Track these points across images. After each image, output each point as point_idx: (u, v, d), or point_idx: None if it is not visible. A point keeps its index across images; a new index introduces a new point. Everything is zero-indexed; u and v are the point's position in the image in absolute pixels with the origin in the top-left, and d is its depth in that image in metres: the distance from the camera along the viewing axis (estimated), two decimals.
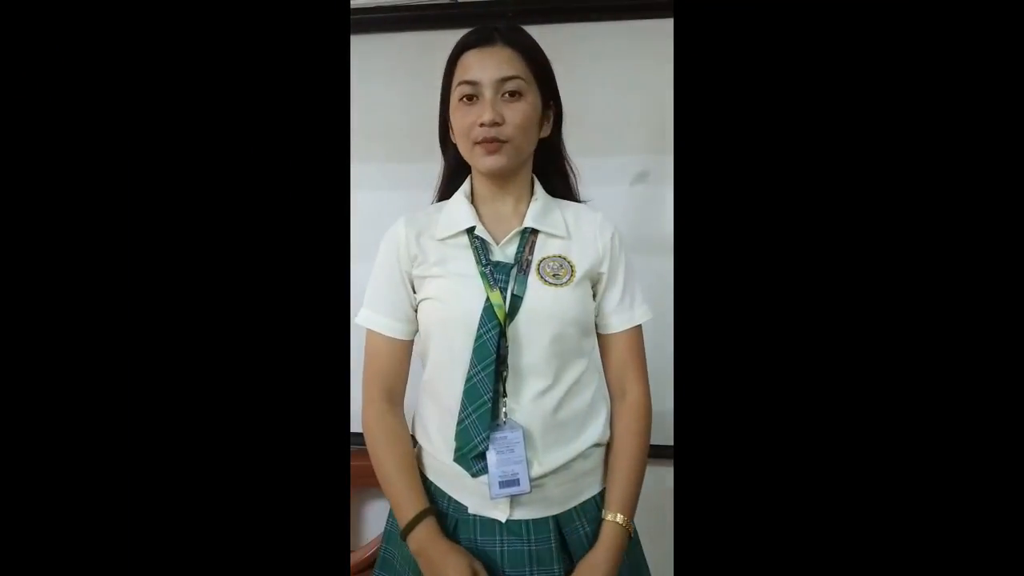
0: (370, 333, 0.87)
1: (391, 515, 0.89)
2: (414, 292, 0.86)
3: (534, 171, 0.90)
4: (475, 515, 0.82)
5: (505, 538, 0.80)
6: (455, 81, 0.83)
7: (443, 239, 0.85)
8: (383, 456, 0.84)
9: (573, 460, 0.81)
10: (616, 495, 0.83)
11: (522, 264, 0.82)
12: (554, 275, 0.82)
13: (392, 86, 1.37)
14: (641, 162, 1.34)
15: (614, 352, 0.88)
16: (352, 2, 1.31)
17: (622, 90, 1.32)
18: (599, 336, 0.89)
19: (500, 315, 0.78)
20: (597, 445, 0.85)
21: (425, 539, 0.79)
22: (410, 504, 0.81)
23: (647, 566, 0.92)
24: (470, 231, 0.84)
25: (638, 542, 0.91)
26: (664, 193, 1.33)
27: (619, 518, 0.82)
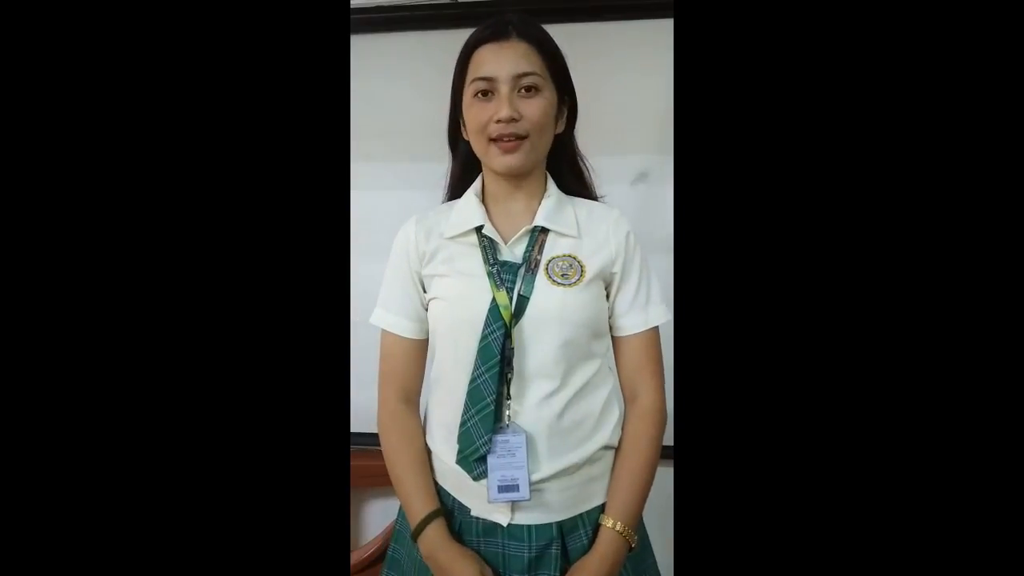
0: (384, 333, 0.86)
1: (401, 514, 0.88)
2: (424, 291, 0.85)
3: (547, 168, 0.88)
4: (478, 517, 0.81)
5: (506, 542, 0.79)
6: (469, 77, 0.80)
7: (452, 238, 0.84)
8: (396, 456, 0.83)
9: (579, 465, 0.79)
10: (616, 502, 0.80)
11: (530, 264, 0.81)
12: (563, 275, 0.80)
13: (392, 86, 1.37)
14: (641, 162, 1.34)
15: (626, 355, 0.85)
16: (352, 2, 1.31)
17: (622, 90, 1.32)
18: (613, 338, 0.86)
19: (506, 316, 0.77)
20: (607, 448, 0.82)
21: (434, 542, 0.78)
22: (421, 505, 0.80)
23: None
24: (479, 230, 0.83)
25: (650, 551, 0.88)
26: (664, 193, 1.32)
27: (618, 525, 0.78)
